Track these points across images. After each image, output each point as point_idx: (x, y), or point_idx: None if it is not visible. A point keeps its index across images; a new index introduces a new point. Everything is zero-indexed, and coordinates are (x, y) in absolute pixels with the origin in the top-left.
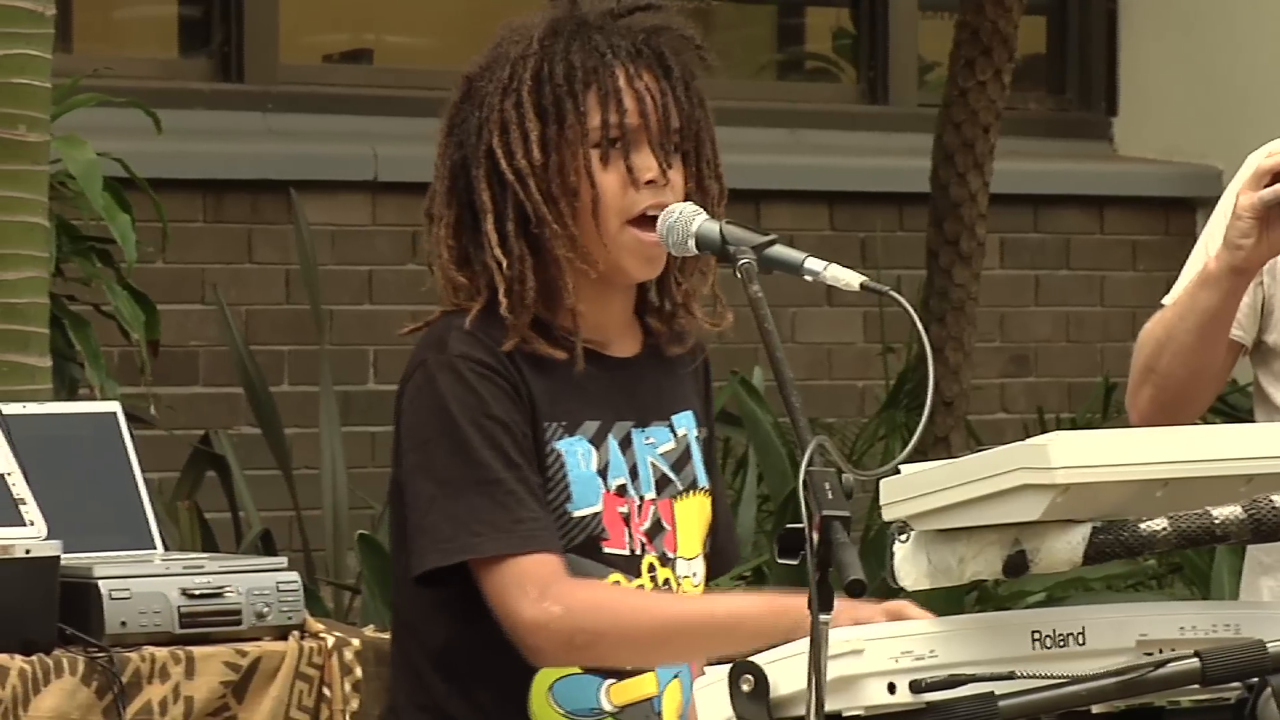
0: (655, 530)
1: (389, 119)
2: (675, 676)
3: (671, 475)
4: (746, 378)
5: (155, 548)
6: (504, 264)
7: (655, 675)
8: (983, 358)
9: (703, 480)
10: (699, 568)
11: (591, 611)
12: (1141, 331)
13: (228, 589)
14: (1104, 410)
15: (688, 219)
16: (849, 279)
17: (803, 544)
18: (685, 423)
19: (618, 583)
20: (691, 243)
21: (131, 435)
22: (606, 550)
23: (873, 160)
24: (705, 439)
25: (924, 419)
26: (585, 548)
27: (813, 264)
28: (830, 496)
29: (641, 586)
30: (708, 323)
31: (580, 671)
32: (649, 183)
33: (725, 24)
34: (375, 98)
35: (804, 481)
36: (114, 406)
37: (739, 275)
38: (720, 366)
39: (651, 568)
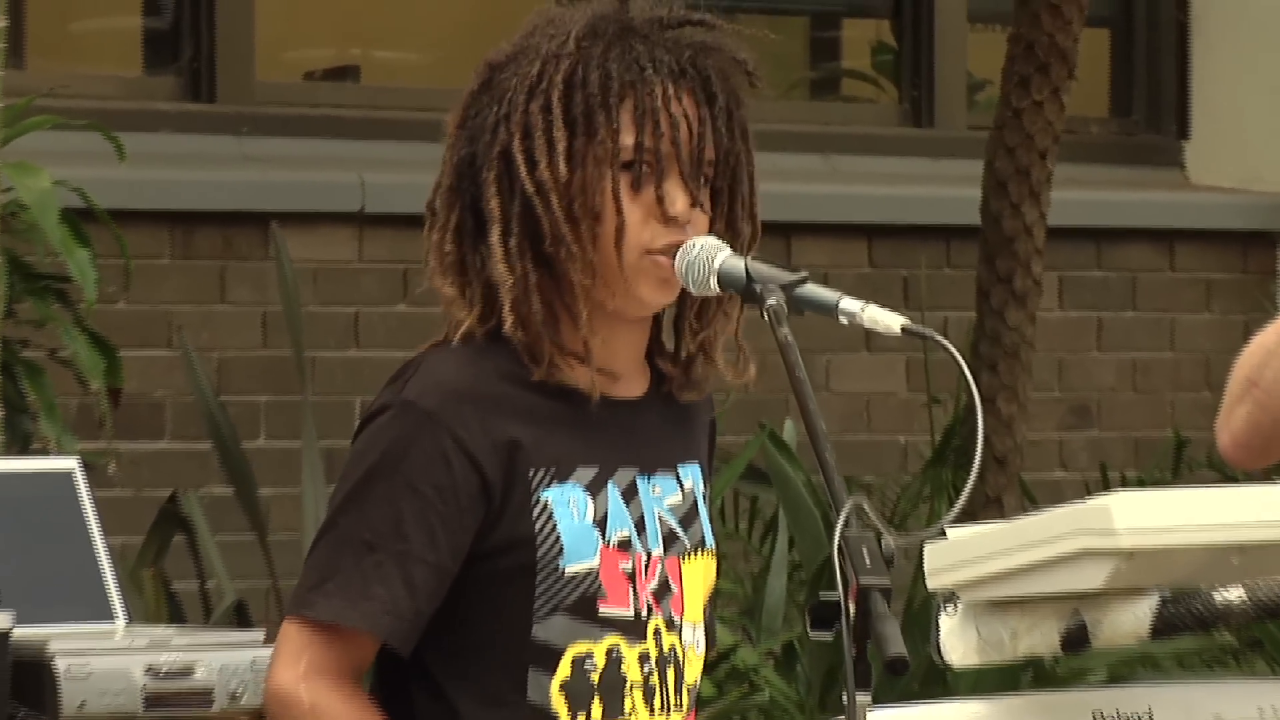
0: (663, 591)
1: (378, 144)
2: None
3: (679, 531)
4: (776, 431)
5: (117, 620)
6: (509, 281)
7: None
8: (1039, 409)
9: (710, 540)
10: (701, 637)
11: None
12: (1250, 343)
13: (198, 666)
14: (1174, 468)
15: (709, 254)
16: (889, 321)
17: (838, 616)
18: (693, 475)
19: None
20: (713, 281)
21: (90, 495)
22: (605, 610)
23: (916, 189)
24: (710, 500)
25: (973, 477)
26: (579, 608)
27: (849, 305)
28: (869, 563)
29: (646, 653)
30: (729, 374)
31: None
32: (672, 218)
33: (751, 38)
34: (362, 120)
35: (840, 546)
36: (71, 463)
37: (767, 317)
38: (747, 418)
39: (658, 632)
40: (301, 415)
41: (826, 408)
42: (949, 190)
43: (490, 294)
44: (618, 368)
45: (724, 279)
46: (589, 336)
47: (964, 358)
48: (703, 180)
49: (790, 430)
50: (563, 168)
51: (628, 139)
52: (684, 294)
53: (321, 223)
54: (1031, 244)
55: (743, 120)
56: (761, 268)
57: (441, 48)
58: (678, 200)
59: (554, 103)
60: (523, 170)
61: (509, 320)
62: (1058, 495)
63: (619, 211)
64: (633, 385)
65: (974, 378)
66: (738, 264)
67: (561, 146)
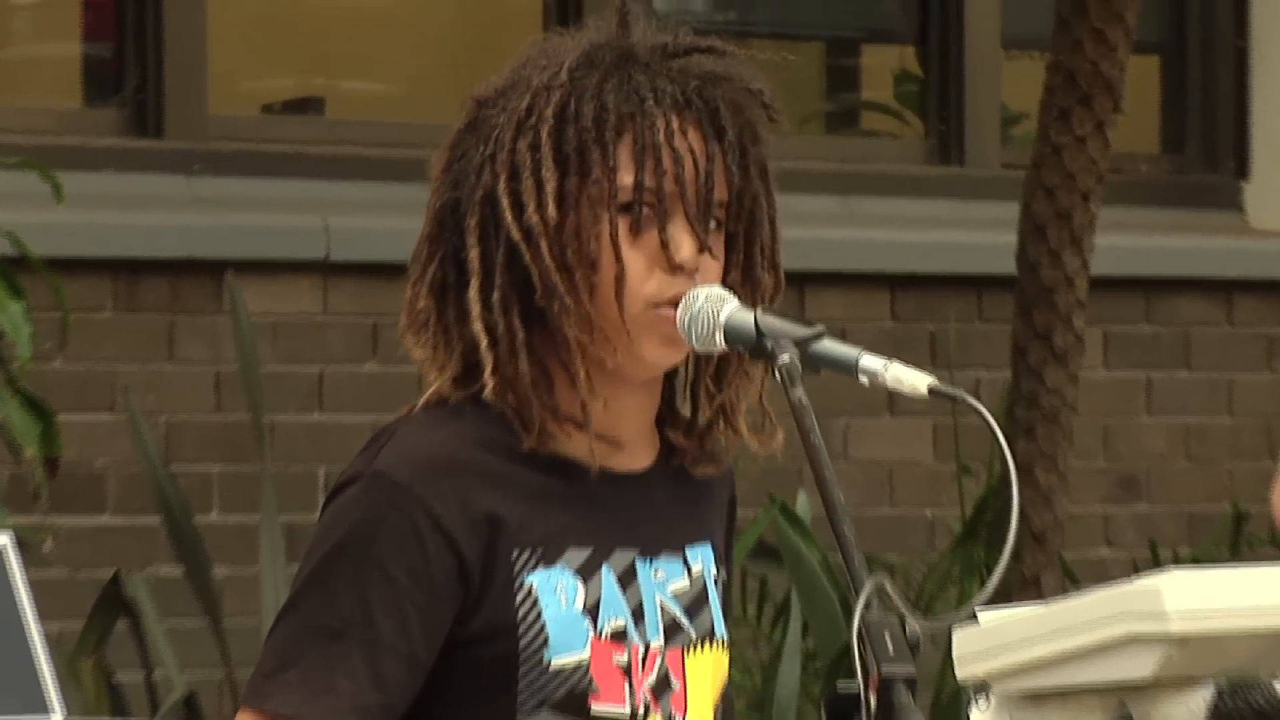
0: (662, 687)
1: (345, 184)
2: None
3: (684, 620)
4: (788, 504)
5: (53, 715)
6: (487, 341)
7: None
8: (1082, 480)
9: (720, 630)
10: None
11: None
12: None
13: None
14: (1233, 545)
15: (714, 306)
16: (914, 381)
17: (857, 710)
18: (702, 557)
19: None
20: (719, 336)
21: (24, 575)
22: (598, 708)
23: (944, 234)
24: (725, 584)
25: (1006, 555)
26: (568, 705)
27: (870, 362)
28: (891, 650)
29: None
30: (755, 442)
31: None
32: (678, 266)
33: (769, 63)
34: (327, 157)
35: (859, 632)
36: (2, 540)
37: (779, 377)
38: (757, 490)
39: None
40: (259, 487)
41: (845, 478)
42: (981, 236)
43: (471, 354)
44: (621, 435)
45: (731, 334)
46: (588, 399)
47: (998, 422)
48: (713, 223)
49: (804, 503)
50: (553, 210)
51: (626, 177)
52: (698, 353)
53: (282, 272)
54: (1073, 295)
55: (760, 157)
56: (773, 321)
57: (415, 78)
58: (683, 245)
59: (543, 139)
60: (508, 214)
61: (490, 384)
62: (1102, 575)
63: (618, 259)
64: (637, 456)
65: (1009, 444)
66: (746, 317)
67: (551, 187)
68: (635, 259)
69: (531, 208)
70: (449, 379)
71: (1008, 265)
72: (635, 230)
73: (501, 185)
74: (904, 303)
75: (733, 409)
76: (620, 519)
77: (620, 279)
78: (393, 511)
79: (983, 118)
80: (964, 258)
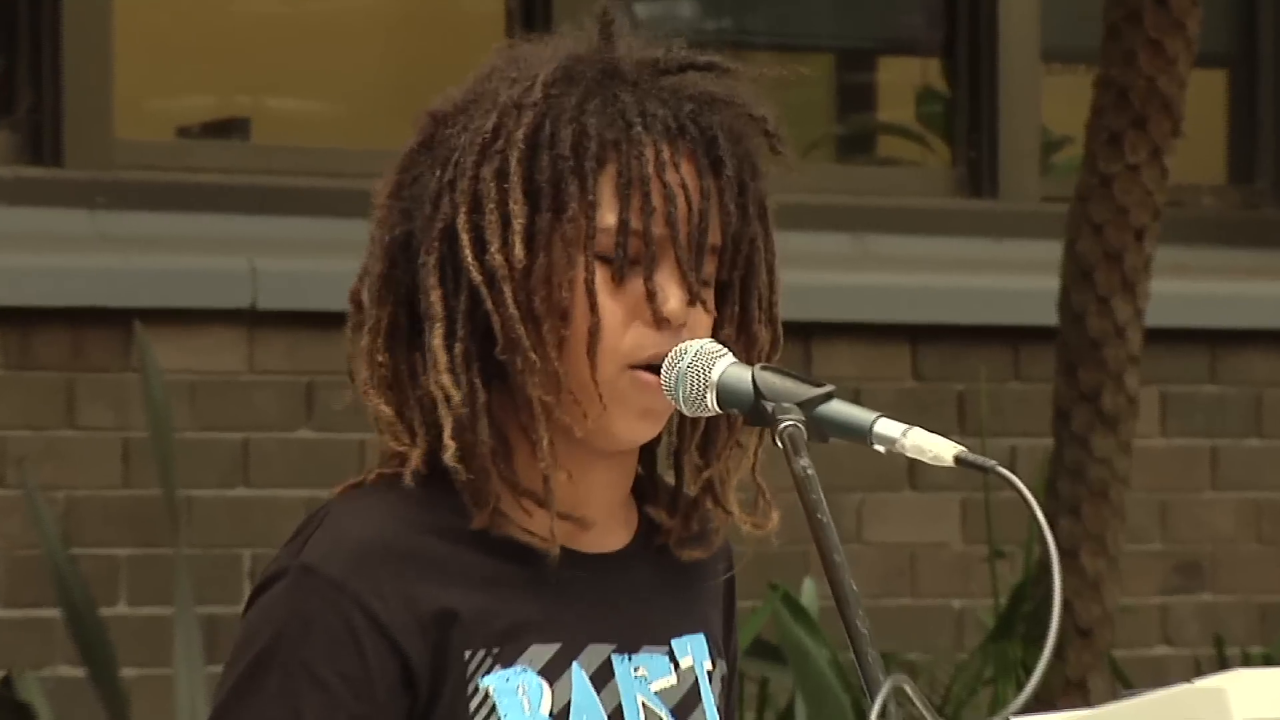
0: None
1: (274, 219)
2: None
3: None
4: (791, 594)
5: None
6: (455, 398)
7: None
8: (1136, 565)
9: None
10: None
11: None
12: None
13: None
14: None
15: (705, 363)
16: (939, 450)
17: None
18: (693, 650)
19: None
20: (711, 398)
21: None
22: None
23: (974, 278)
24: (725, 678)
25: (1046, 653)
26: None
27: (887, 428)
28: None
29: None
30: (746, 523)
31: None
32: (665, 319)
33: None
34: (254, 189)
35: None
36: None
37: (780, 444)
38: (755, 577)
39: None
40: (173, 573)
41: (859, 562)
42: (1017, 280)
43: (430, 417)
44: (589, 513)
45: (724, 395)
46: (550, 471)
47: (1037, 498)
48: (703, 274)
49: (810, 592)
50: (519, 251)
51: (608, 216)
52: (683, 416)
53: (201, 322)
54: (1125, 350)
55: (759, 193)
56: (774, 380)
57: (356, 96)
58: (671, 296)
59: (512, 166)
60: (468, 253)
61: (449, 449)
62: (1159, 676)
63: (594, 310)
64: (610, 534)
65: (1050, 524)
66: (743, 375)
67: (519, 224)
68: (613, 310)
69: (495, 246)
70: (421, 450)
71: (1048, 315)
72: (616, 277)
73: (462, 218)
74: (927, 358)
75: (723, 483)
76: (592, 609)
77: (595, 333)
78: (324, 611)
79: (1019, 142)
80: (998, 306)
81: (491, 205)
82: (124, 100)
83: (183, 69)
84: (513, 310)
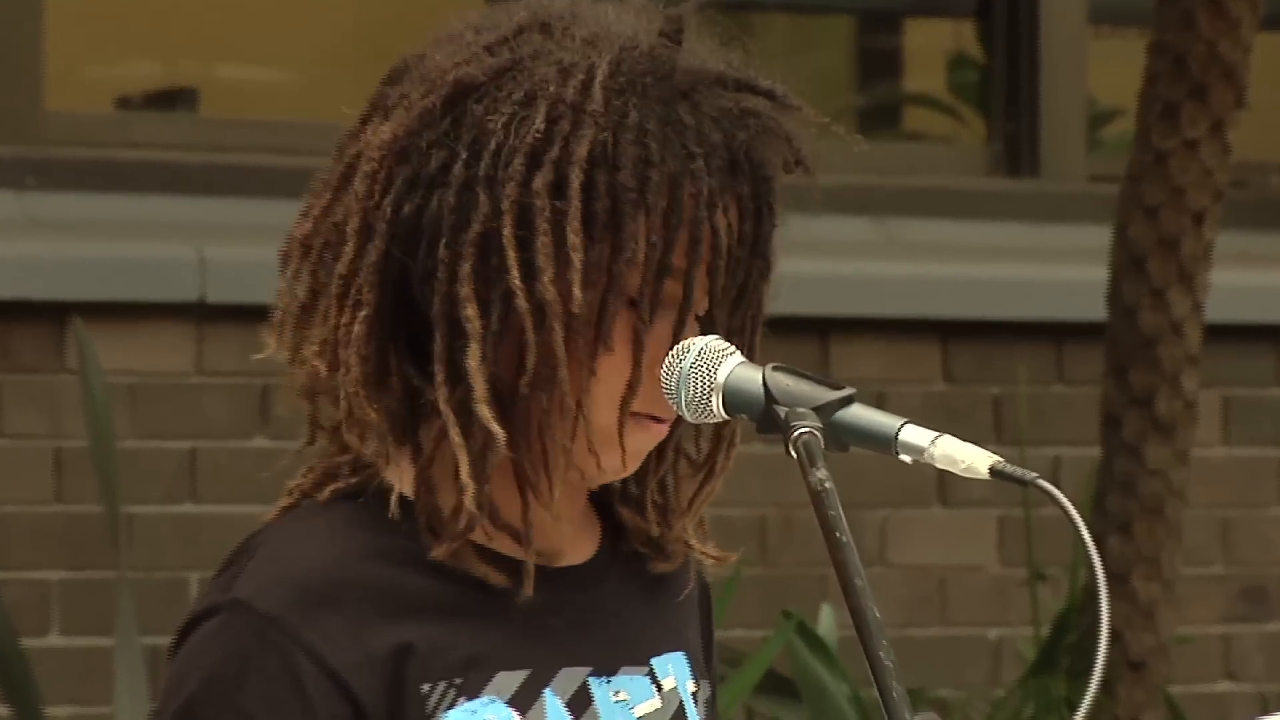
0: None
1: (224, 202)
2: None
3: None
4: (807, 622)
5: None
6: (497, 437)
7: None
8: (1195, 591)
9: None
10: None
11: None
12: None
13: None
14: None
15: (710, 361)
16: (973, 461)
17: None
18: (674, 669)
19: None
20: (717, 401)
21: None
22: None
23: (1013, 268)
24: (708, 699)
25: (1093, 688)
26: None
27: (913, 436)
28: None
29: None
30: (705, 555)
31: None
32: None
33: (773, 45)
34: (202, 167)
35: None
36: None
37: (794, 454)
38: (767, 604)
39: None
40: (114, 599)
41: (883, 587)
42: (1061, 270)
43: (416, 432)
44: (557, 539)
45: (732, 398)
46: (541, 511)
47: (1083, 514)
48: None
49: (828, 620)
50: (577, 291)
51: (676, 258)
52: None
53: (142, 318)
54: (1182, 349)
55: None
56: (787, 381)
57: (314, 64)
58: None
59: (573, 188)
60: (516, 277)
61: (468, 490)
62: (1221, 714)
63: (637, 365)
64: (575, 544)
65: (1098, 545)
66: (752, 377)
67: (579, 259)
68: (641, 361)
69: (549, 277)
70: (411, 474)
71: (1096, 309)
72: (645, 320)
73: (507, 232)
74: (960, 358)
75: (700, 497)
76: (563, 629)
77: (633, 387)
78: (262, 652)
79: (1064, 115)
80: (1039, 299)
81: (546, 227)
82: (56, 67)
83: (122, 32)
84: (560, 352)
